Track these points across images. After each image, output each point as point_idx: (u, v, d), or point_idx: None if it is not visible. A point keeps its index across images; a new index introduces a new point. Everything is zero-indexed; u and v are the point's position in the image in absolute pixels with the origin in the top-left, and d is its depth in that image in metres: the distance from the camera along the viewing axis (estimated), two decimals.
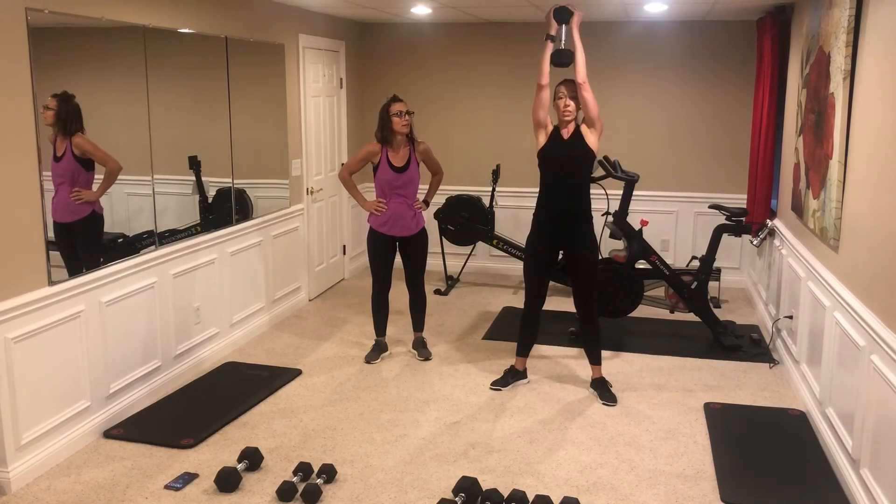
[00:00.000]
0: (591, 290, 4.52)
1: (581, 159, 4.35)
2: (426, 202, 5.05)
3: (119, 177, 4.21)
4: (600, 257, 4.86)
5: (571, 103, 4.32)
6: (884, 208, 3.22)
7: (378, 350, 5.17)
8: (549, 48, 4.31)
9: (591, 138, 4.34)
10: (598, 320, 4.64)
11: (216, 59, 5.04)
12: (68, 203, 3.81)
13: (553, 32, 4.29)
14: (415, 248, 5.01)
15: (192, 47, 4.82)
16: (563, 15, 4.25)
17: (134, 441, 3.94)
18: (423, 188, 5.11)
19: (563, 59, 4.27)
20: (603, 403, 4.45)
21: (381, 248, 4.98)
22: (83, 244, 3.86)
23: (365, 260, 7.66)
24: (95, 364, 4.00)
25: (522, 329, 4.71)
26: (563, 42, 4.25)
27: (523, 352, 4.74)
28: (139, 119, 4.34)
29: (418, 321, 5.23)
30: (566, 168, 4.37)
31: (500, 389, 4.65)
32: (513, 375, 4.74)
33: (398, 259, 5.05)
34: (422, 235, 5.01)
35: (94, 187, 3.99)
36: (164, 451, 3.84)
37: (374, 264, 5.03)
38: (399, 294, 5.82)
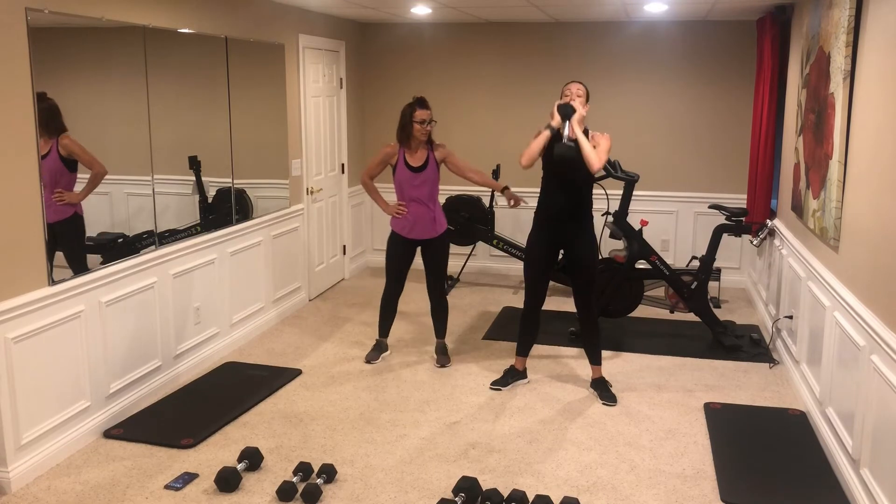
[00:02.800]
0: (590, 291, 4.52)
1: (580, 164, 4.32)
2: (506, 188, 4.99)
3: (119, 177, 4.21)
4: (600, 257, 4.86)
5: (577, 101, 4.29)
6: (884, 208, 3.22)
7: (378, 350, 5.17)
8: (544, 136, 4.29)
9: (598, 147, 4.32)
10: (597, 320, 4.64)
11: (216, 59, 5.04)
12: (50, 204, 3.77)
13: (555, 125, 4.29)
14: (436, 252, 4.97)
15: (192, 47, 4.82)
16: (567, 111, 4.26)
17: (134, 441, 3.95)
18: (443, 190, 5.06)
19: (568, 152, 4.24)
20: (603, 403, 4.45)
21: (401, 250, 4.97)
22: (66, 245, 3.80)
23: (365, 260, 7.68)
24: (95, 364, 4.00)
25: (522, 329, 4.71)
26: (566, 137, 4.25)
27: (523, 351, 4.74)
28: (139, 119, 4.34)
29: (440, 328, 5.16)
30: (566, 171, 4.37)
31: (500, 389, 4.65)
32: (512, 375, 4.74)
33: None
34: (443, 239, 4.99)
35: (77, 189, 3.92)
36: (164, 451, 3.84)
37: (391, 266, 5.01)
38: (409, 294, 5.80)
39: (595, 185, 4.54)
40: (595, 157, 4.21)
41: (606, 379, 4.65)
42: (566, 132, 4.23)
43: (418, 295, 6.59)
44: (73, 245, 3.86)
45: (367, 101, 7.51)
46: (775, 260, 5.57)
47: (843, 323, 3.66)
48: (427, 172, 4.86)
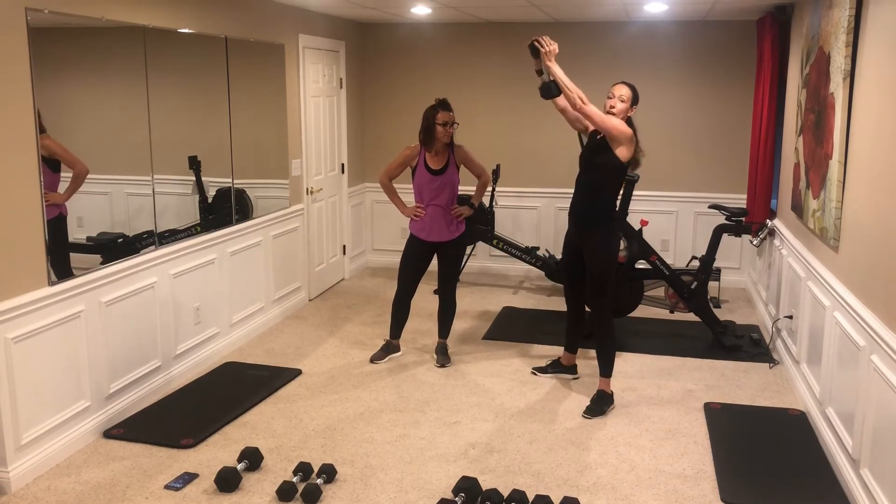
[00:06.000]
0: (595, 295, 4.40)
1: (597, 164, 4.28)
2: (471, 204, 4.99)
3: (119, 177, 4.21)
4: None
5: (617, 105, 4.22)
6: (884, 208, 3.22)
7: (386, 350, 5.16)
8: (540, 81, 4.35)
9: (620, 148, 4.19)
10: (606, 330, 4.43)
11: (216, 59, 5.04)
12: None
13: (535, 68, 4.31)
14: (450, 253, 4.99)
15: (192, 47, 4.82)
16: (533, 50, 4.26)
17: (134, 441, 3.94)
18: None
19: (551, 93, 4.28)
20: (582, 414, 4.31)
21: (417, 253, 4.97)
22: (51, 247, 3.74)
23: (365, 260, 7.68)
24: (95, 364, 4.00)
25: (566, 325, 4.82)
26: (547, 75, 4.25)
27: (570, 348, 4.85)
28: (139, 119, 4.34)
29: (444, 328, 5.16)
30: (584, 169, 4.38)
31: (536, 374, 4.87)
32: (553, 366, 4.87)
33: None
34: (460, 241, 5.01)
35: (61, 190, 3.84)
36: (164, 451, 3.84)
37: (405, 268, 5.00)
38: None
39: (616, 184, 4.40)
40: (577, 95, 4.11)
41: (607, 393, 4.42)
42: (545, 70, 4.24)
43: (419, 295, 6.57)
44: (58, 246, 3.78)
45: (367, 101, 7.51)
46: (775, 260, 5.57)
47: (843, 323, 3.66)
48: (447, 176, 4.86)
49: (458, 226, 4.97)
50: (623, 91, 4.26)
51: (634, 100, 4.29)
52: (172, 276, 4.61)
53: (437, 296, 5.29)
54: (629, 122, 4.30)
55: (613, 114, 4.22)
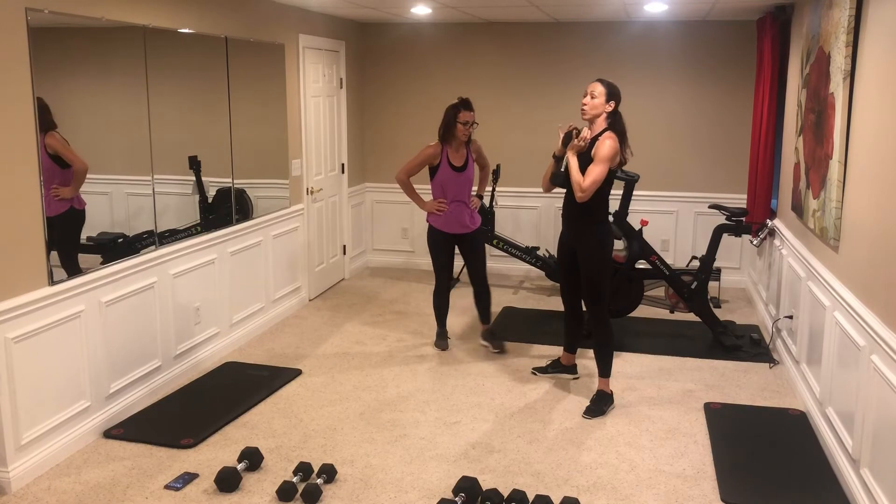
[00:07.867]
0: (590, 297, 4.40)
1: (587, 169, 4.27)
2: (479, 196, 5.27)
3: (119, 177, 4.21)
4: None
5: (589, 101, 4.19)
6: (884, 208, 3.22)
7: (444, 338, 5.39)
8: (550, 165, 4.40)
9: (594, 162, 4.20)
10: (604, 330, 4.43)
11: (216, 59, 5.04)
12: (49, 201, 3.76)
13: (558, 153, 4.34)
14: (474, 245, 5.21)
15: (192, 47, 4.82)
16: (566, 139, 4.29)
17: (134, 441, 3.95)
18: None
19: (556, 179, 4.37)
20: (582, 415, 4.31)
21: (442, 243, 5.18)
22: (61, 239, 3.77)
23: (365, 260, 7.67)
24: (95, 364, 4.00)
25: (564, 326, 4.82)
26: (564, 164, 4.29)
27: (569, 348, 4.85)
28: (139, 119, 4.34)
29: (485, 314, 5.37)
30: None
31: (536, 374, 4.88)
32: (553, 366, 4.88)
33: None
34: (479, 233, 5.24)
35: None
36: (164, 451, 3.84)
37: (438, 259, 5.22)
38: (410, 294, 5.80)
39: (606, 186, 4.39)
40: (580, 186, 4.13)
41: (606, 392, 4.41)
42: (565, 161, 4.30)
43: (420, 295, 6.59)
44: (68, 239, 3.81)
45: (367, 101, 7.51)
46: (775, 260, 5.57)
47: (843, 323, 3.66)
48: (468, 171, 5.09)
49: (476, 219, 5.21)
50: (595, 87, 4.20)
51: (611, 95, 4.20)
52: (172, 276, 4.61)
53: (435, 295, 5.34)
54: (616, 120, 4.23)
55: (585, 111, 4.21)
